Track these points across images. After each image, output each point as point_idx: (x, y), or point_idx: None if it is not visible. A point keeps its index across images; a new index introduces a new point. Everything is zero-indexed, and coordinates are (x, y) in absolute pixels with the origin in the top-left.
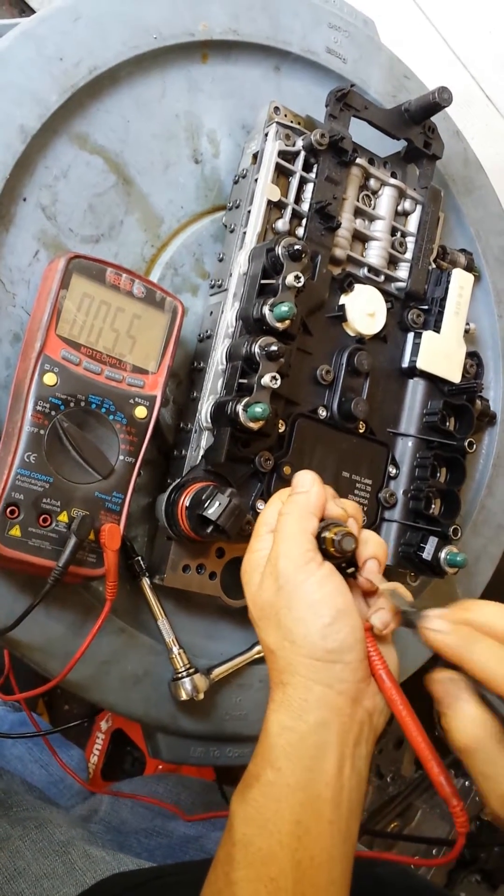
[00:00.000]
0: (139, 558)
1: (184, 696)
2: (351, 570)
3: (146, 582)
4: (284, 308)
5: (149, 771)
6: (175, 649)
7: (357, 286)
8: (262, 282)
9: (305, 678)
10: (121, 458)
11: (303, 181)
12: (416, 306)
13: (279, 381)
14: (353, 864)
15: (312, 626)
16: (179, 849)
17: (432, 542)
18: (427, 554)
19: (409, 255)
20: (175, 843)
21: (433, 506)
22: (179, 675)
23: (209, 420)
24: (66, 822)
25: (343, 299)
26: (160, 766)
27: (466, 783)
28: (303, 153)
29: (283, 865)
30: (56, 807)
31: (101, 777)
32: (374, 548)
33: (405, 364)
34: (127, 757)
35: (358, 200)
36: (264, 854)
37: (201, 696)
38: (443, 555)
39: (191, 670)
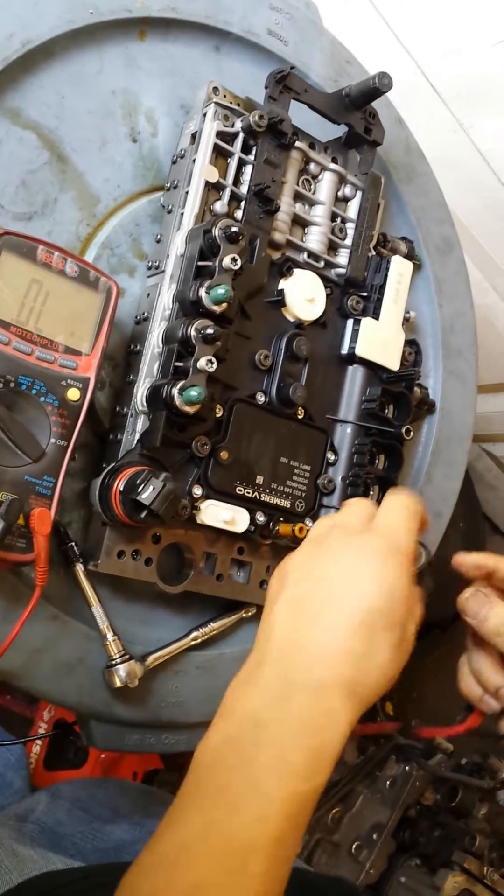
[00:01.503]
0: (73, 544)
1: (118, 683)
2: None
3: (80, 568)
4: (221, 290)
5: (91, 760)
6: (109, 636)
7: (296, 271)
8: (199, 263)
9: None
10: (52, 441)
11: (241, 163)
12: (355, 293)
13: (215, 365)
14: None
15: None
16: (114, 853)
17: None
18: None
19: (348, 242)
20: (111, 846)
21: (371, 492)
22: (114, 662)
23: (145, 404)
24: None
25: (282, 284)
26: (102, 756)
27: (407, 768)
28: (241, 135)
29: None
30: None
31: (43, 767)
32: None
33: (344, 350)
34: (70, 746)
35: (298, 184)
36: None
37: (136, 682)
38: None
39: (125, 657)
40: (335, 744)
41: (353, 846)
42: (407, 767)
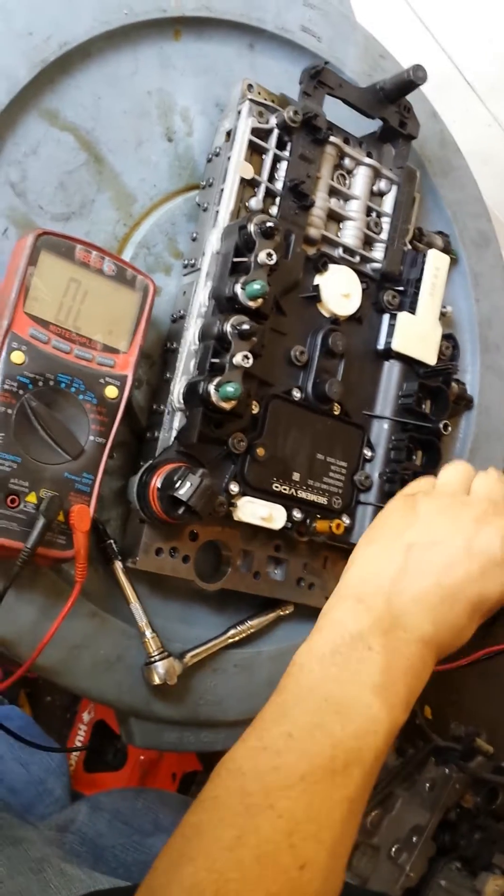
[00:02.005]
0: (112, 541)
1: (157, 681)
2: None
3: (119, 565)
4: (256, 286)
5: (130, 762)
6: (148, 633)
7: (332, 266)
8: (235, 260)
9: None
10: (91, 438)
11: (276, 159)
12: (391, 287)
13: (251, 361)
14: None
15: None
16: None
17: None
18: None
19: (384, 236)
20: (152, 859)
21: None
22: (152, 660)
23: (181, 401)
24: (42, 839)
25: (317, 279)
26: (142, 757)
27: (447, 770)
28: (276, 131)
29: None
30: (32, 826)
31: (83, 769)
32: None
33: (380, 346)
34: (109, 748)
35: (332, 179)
36: None
37: (174, 680)
38: None
39: (164, 654)
40: (420, 686)
41: (393, 849)
42: (446, 770)
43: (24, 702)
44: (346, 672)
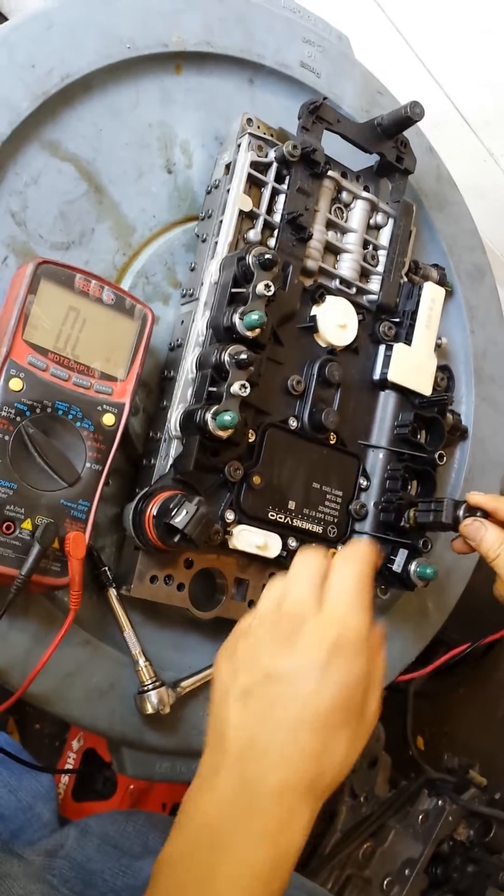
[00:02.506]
0: (106, 569)
1: (149, 710)
2: None
3: (113, 593)
4: (254, 316)
5: (120, 790)
6: (141, 661)
7: (329, 297)
8: (233, 290)
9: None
10: (87, 465)
11: (275, 192)
12: (387, 319)
13: (248, 390)
14: None
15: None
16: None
17: (402, 554)
18: (397, 566)
19: (380, 268)
20: (141, 884)
21: (405, 518)
22: (145, 688)
23: (178, 428)
24: (27, 875)
25: (315, 310)
26: (131, 787)
27: (440, 802)
28: (275, 164)
29: None
30: (17, 858)
31: (71, 797)
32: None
33: (376, 376)
34: (98, 777)
35: (330, 213)
36: None
37: (167, 709)
38: (413, 567)
39: (157, 683)
40: (296, 845)
41: (385, 882)
42: (440, 802)
43: (12, 728)
44: (198, 869)
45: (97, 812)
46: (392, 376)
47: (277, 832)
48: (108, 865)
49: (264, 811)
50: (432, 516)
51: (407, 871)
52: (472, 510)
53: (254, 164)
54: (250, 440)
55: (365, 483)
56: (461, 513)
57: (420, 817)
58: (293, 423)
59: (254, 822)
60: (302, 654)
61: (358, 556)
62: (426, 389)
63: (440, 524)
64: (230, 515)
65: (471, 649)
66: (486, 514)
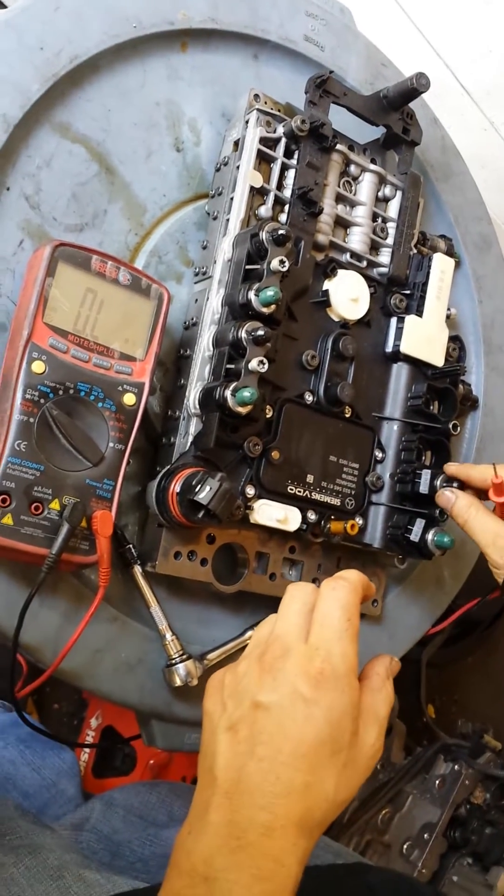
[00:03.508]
0: (130, 546)
1: (178, 682)
2: None
3: (138, 569)
4: (270, 292)
5: (140, 766)
6: (168, 636)
7: (340, 271)
8: (247, 267)
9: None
10: (111, 445)
11: (284, 167)
12: (398, 291)
13: (266, 366)
14: (345, 873)
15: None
16: None
17: (419, 523)
18: (415, 536)
19: (390, 241)
20: (168, 850)
21: (419, 481)
22: (173, 662)
23: (197, 406)
24: (60, 846)
25: (326, 284)
26: (151, 762)
27: (456, 766)
28: (284, 140)
29: None
30: (49, 830)
31: (91, 775)
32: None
33: (389, 348)
34: (118, 753)
35: (339, 186)
36: None
37: (195, 681)
38: (430, 536)
39: (184, 656)
40: (294, 878)
41: (405, 846)
42: (456, 766)
43: (31, 709)
44: None
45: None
46: (404, 348)
47: (272, 870)
48: (135, 836)
49: (255, 849)
50: (410, 486)
51: (426, 836)
52: (449, 480)
53: (263, 140)
54: (268, 416)
55: (380, 455)
56: (438, 483)
57: (437, 782)
58: (309, 398)
59: (246, 861)
60: (285, 686)
61: (345, 584)
62: (438, 360)
63: (418, 494)
64: (250, 490)
65: (481, 603)
66: (462, 485)
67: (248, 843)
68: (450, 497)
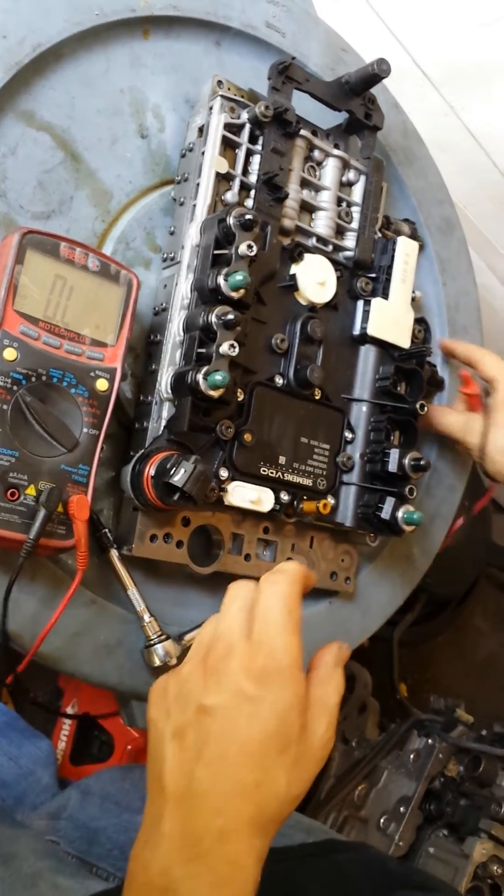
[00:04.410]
0: (106, 530)
1: (157, 662)
2: None
3: (115, 553)
4: (239, 277)
5: (118, 752)
6: (146, 617)
7: (307, 256)
8: (216, 252)
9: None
10: (85, 430)
11: (249, 153)
12: (364, 275)
13: (237, 349)
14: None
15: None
16: None
17: (390, 502)
18: (385, 514)
19: (355, 225)
20: None
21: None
22: (151, 643)
23: (169, 391)
24: (34, 852)
25: (294, 269)
26: (129, 747)
27: (429, 741)
28: (248, 126)
29: None
30: (24, 830)
31: (69, 762)
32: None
33: (356, 331)
34: (95, 741)
35: (303, 171)
36: None
37: (174, 661)
38: (400, 514)
39: (162, 637)
40: (253, 879)
41: (381, 820)
42: (429, 741)
43: (6, 698)
44: None
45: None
46: (371, 330)
47: (230, 874)
48: (111, 822)
49: (211, 855)
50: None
51: (402, 809)
52: (417, 459)
53: (227, 126)
54: (239, 399)
55: (350, 436)
56: (406, 461)
57: (411, 756)
58: (279, 381)
59: (203, 868)
60: (229, 686)
61: (283, 577)
62: (405, 342)
63: (387, 473)
64: (224, 473)
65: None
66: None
67: (204, 850)
68: (435, 415)
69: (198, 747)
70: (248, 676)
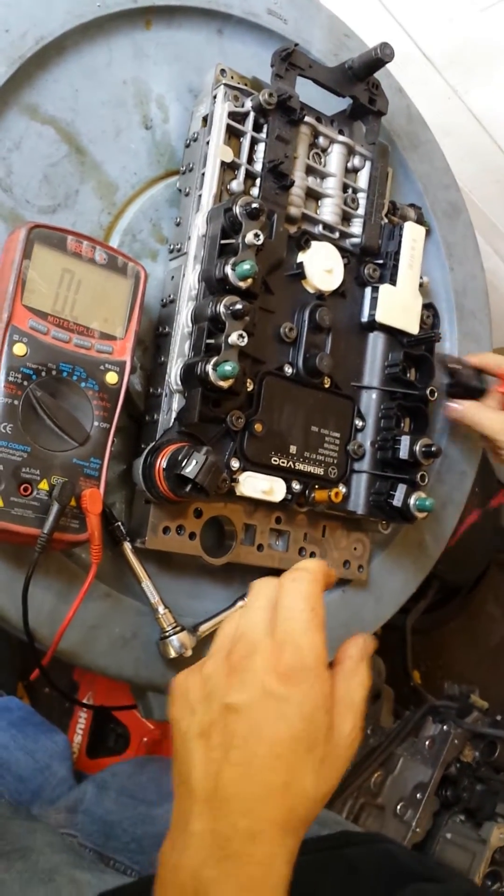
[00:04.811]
0: (119, 523)
1: (172, 654)
2: None
3: (128, 546)
4: (246, 266)
5: (133, 745)
6: (161, 609)
7: (314, 243)
8: (222, 242)
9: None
10: (95, 424)
11: (254, 141)
12: (371, 261)
13: (246, 339)
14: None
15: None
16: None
17: (401, 489)
18: (397, 501)
19: (361, 211)
20: (160, 830)
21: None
22: (167, 634)
23: (179, 382)
24: (51, 846)
25: (301, 257)
26: (145, 739)
27: (444, 727)
28: (252, 114)
29: None
30: (41, 825)
31: (85, 755)
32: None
33: (364, 318)
34: (111, 734)
35: (308, 158)
36: None
37: (189, 652)
38: (412, 501)
39: (177, 628)
40: (280, 886)
41: (398, 807)
42: (444, 727)
43: (22, 693)
44: None
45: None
46: (380, 317)
47: (260, 876)
48: (127, 815)
49: (241, 856)
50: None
51: (419, 795)
52: (429, 445)
53: (231, 115)
54: (249, 389)
55: (360, 423)
56: (417, 448)
57: (427, 743)
58: (288, 370)
59: (234, 870)
60: (255, 685)
61: (305, 574)
62: (413, 328)
63: (398, 460)
64: (235, 463)
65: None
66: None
67: (233, 851)
68: (457, 407)
69: (224, 747)
70: (274, 676)
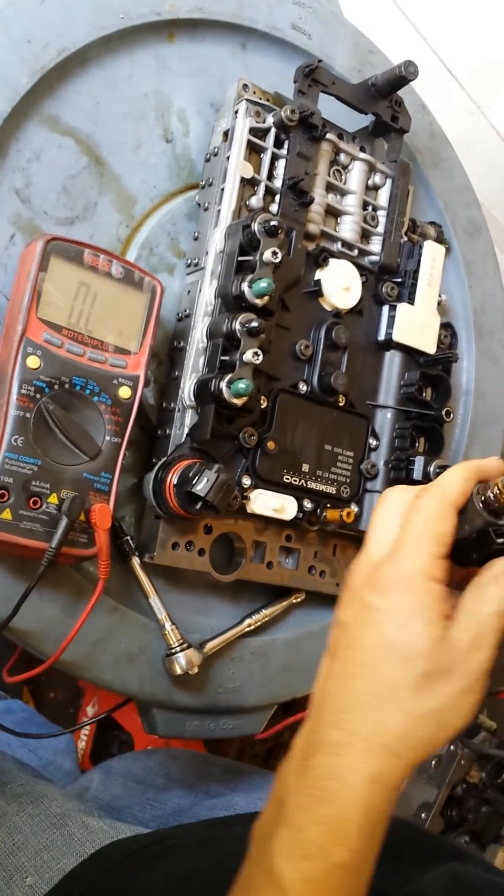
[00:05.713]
0: (128, 538)
1: (178, 671)
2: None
3: (136, 561)
4: (263, 284)
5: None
6: (167, 625)
7: (332, 261)
8: (240, 259)
9: None
10: (107, 438)
11: (274, 157)
12: (389, 279)
13: (261, 357)
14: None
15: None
16: (173, 818)
17: None
18: None
19: (381, 229)
20: (169, 813)
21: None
22: (173, 651)
23: (192, 398)
24: (62, 795)
25: (318, 274)
26: (149, 747)
27: (451, 747)
28: (273, 130)
29: None
30: (49, 781)
31: (89, 761)
32: None
33: (381, 337)
34: (114, 741)
35: (329, 175)
36: None
37: (195, 670)
38: None
39: (184, 645)
40: (357, 806)
41: None
42: (451, 746)
43: (27, 698)
44: (260, 843)
45: None
46: (397, 336)
47: (334, 791)
48: (135, 801)
49: (320, 769)
50: (405, 473)
51: (423, 815)
52: (443, 467)
53: (252, 130)
54: (262, 406)
55: (374, 443)
56: (431, 469)
57: (433, 762)
58: (303, 388)
59: (310, 783)
60: (354, 598)
61: (437, 491)
62: (431, 348)
63: (412, 480)
64: (247, 481)
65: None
66: None
67: (314, 763)
68: None
69: (332, 660)
70: (369, 585)
